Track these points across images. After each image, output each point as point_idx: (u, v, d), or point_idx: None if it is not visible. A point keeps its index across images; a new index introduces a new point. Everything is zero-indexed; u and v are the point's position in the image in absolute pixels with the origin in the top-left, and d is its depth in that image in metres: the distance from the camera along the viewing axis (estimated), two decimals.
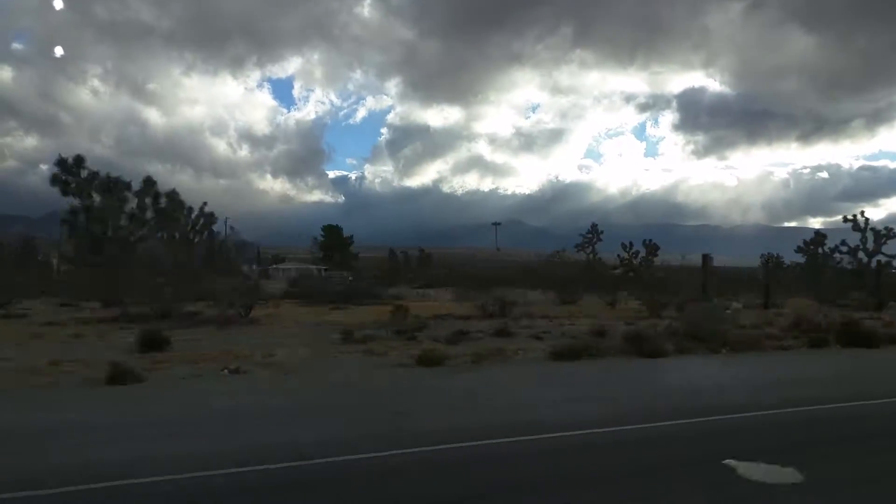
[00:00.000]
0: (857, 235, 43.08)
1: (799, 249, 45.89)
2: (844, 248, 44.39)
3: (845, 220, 44.40)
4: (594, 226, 55.03)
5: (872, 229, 43.39)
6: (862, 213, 44.11)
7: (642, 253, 49.88)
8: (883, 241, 43.20)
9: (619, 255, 51.13)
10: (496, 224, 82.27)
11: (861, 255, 43.47)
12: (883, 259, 43.52)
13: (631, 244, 50.55)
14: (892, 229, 43.38)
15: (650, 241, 50.52)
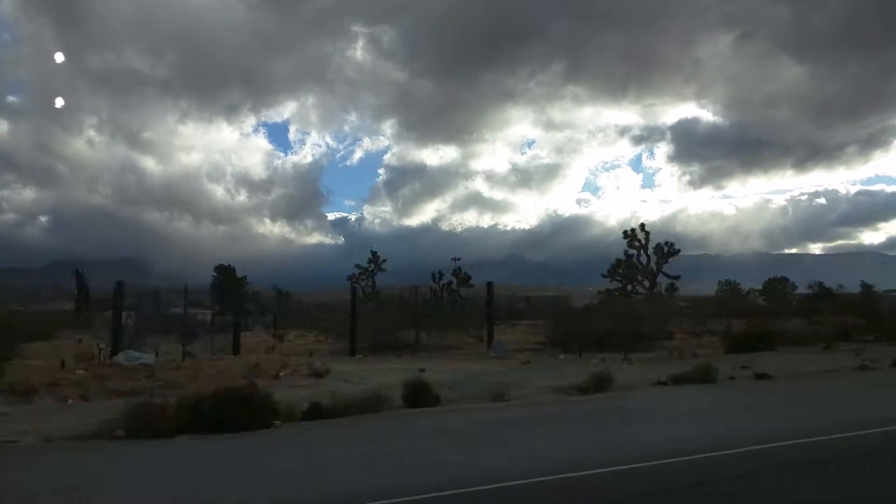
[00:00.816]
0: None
1: (607, 274, 38.65)
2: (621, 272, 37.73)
3: (625, 235, 37.23)
4: (374, 254, 45.73)
5: (659, 245, 37.58)
6: (642, 226, 37.22)
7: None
8: (665, 259, 37.80)
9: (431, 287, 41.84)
10: (455, 259, 79.70)
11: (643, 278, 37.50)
12: (664, 281, 37.30)
13: (441, 274, 42.22)
14: (673, 245, 38.01)
15: (460, 270, 42.40)
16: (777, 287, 74.88)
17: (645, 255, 37.12)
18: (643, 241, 36.81)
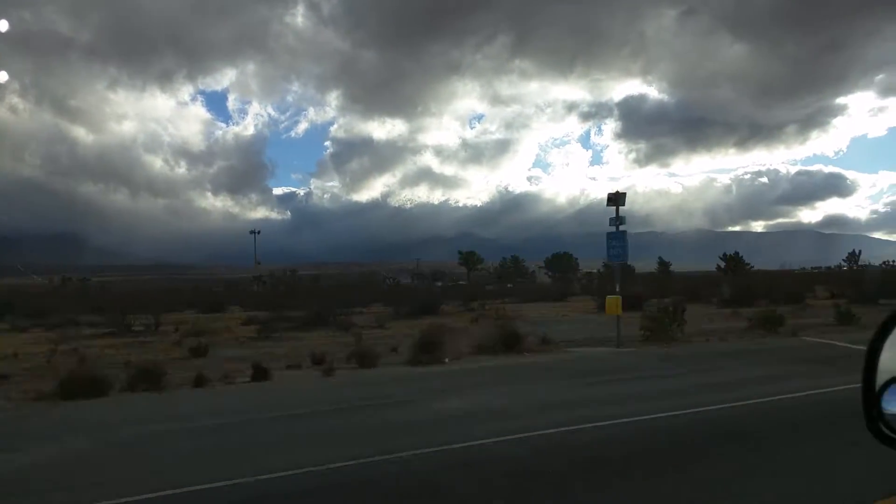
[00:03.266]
0: None
1: None
2: None
3: None
4: None
5: None
6: None
7: None
8: None
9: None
10: (254, 233, 77.97)
11: None
12: None
13: None
14: None
15: None
16: (563, 263, 68.13)
17: None
18: None
